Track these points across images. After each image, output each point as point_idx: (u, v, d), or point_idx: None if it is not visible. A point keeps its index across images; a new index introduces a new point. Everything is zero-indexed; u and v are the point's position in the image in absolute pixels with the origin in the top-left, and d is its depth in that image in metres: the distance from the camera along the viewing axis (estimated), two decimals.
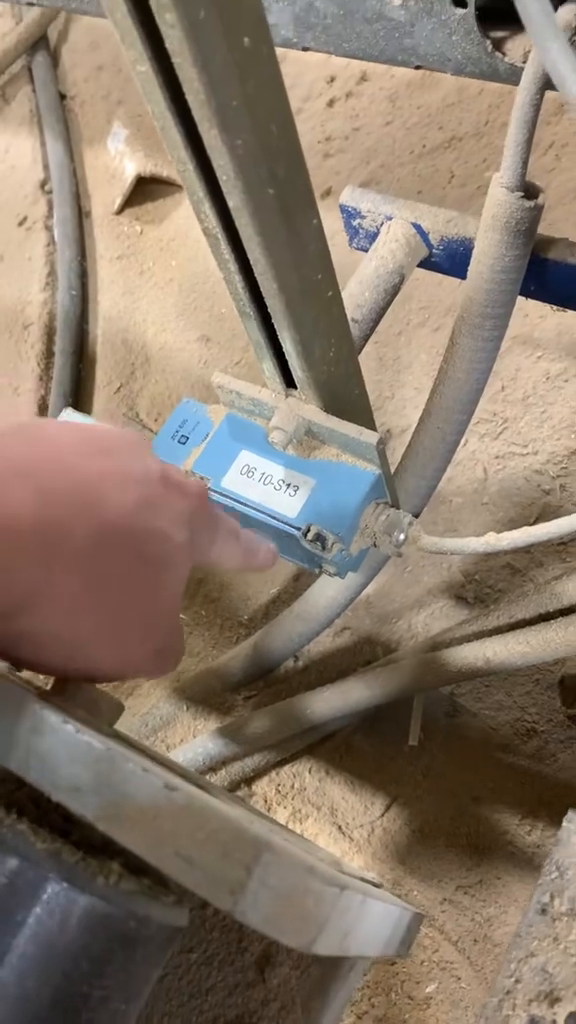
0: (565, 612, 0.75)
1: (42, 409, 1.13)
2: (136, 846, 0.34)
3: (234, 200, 0.48)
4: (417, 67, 0.64)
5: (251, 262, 0.51)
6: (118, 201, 1.23)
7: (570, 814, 0.46)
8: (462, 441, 0.83)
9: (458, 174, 1.13)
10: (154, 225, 1.23)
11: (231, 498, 0.64)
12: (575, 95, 0.43)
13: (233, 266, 0.52)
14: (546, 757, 0.80)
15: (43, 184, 1.32)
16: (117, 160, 1.25)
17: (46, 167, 1.33)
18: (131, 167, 1.21)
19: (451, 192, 1.12)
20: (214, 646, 0.96)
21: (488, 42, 0.60)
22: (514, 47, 0.61)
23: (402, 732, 0.82)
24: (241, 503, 0.64)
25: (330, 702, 0.81)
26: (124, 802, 0.35)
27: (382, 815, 0.82)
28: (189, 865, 0.34)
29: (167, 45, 0.40)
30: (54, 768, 0.36)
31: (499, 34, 0.60)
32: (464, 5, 0.58)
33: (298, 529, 0.62)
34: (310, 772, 0.87)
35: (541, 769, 0.80)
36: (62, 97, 1.41)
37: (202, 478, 0.65)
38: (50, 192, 1.30)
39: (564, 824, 0.46)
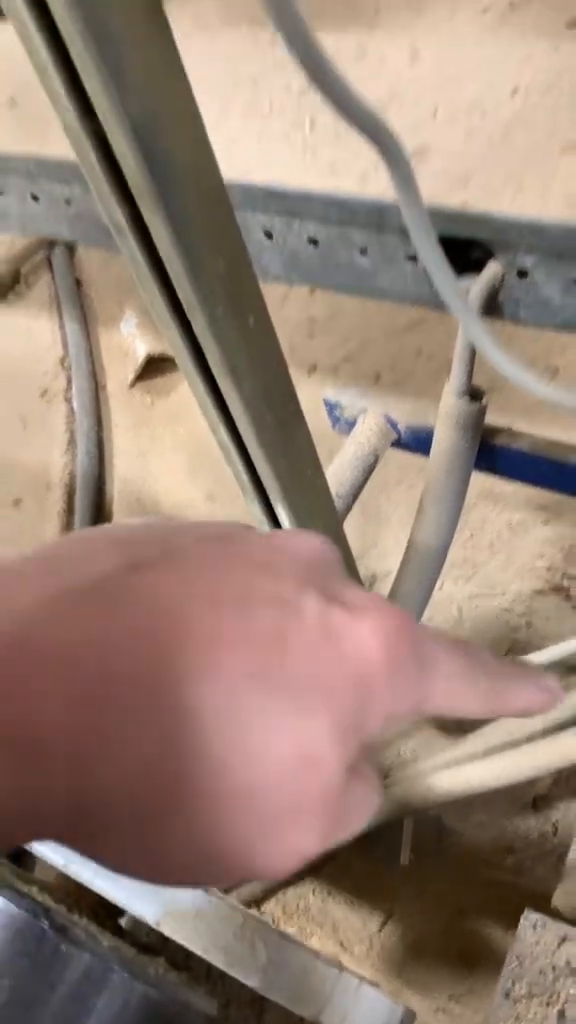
0: (531, 739, 0.86)
1: None
2: (185, 939, 0.45)
3: (242, 425, 0.63)
4: (382, 300, 0.81)
5: (255, 465, 0.66)
6: (131, 377, 1.40)
7: (526, 912, 0.56)
8: (438, 585, 0.96)
9: (425, 350, 1.30)
10: (163, 397, 1.40)
11: None
12: (495, 361, 0.59)
13: (242, 467, 0.67)
14: (524, 871, 0.89)
15: (62, 361, 1.50)
16: (129, 341, 1.43)
17: (65, 346, 1.51)
18: (142, 348, 1.39)
19: (419, 366, 1.29)
20: None
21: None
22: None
23: (396, 852, 0.91)
24: None
25: None
26: (175, 907, 0.46)
27: (379, 930, 0.90)
28: (224, 953, 0.44)
29: (195, 330, 0.56)
30: (116, 879, 0.47)
31: None
32: (415, 260, 0.75)
33: None
34: (313, 893, 0.96)
35: (520, 882, 0.89)
36: (78, 284, 1.61)
37: None
38: (69, 368, 1.48)
39: (522, 921, 0.56)
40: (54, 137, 0.86)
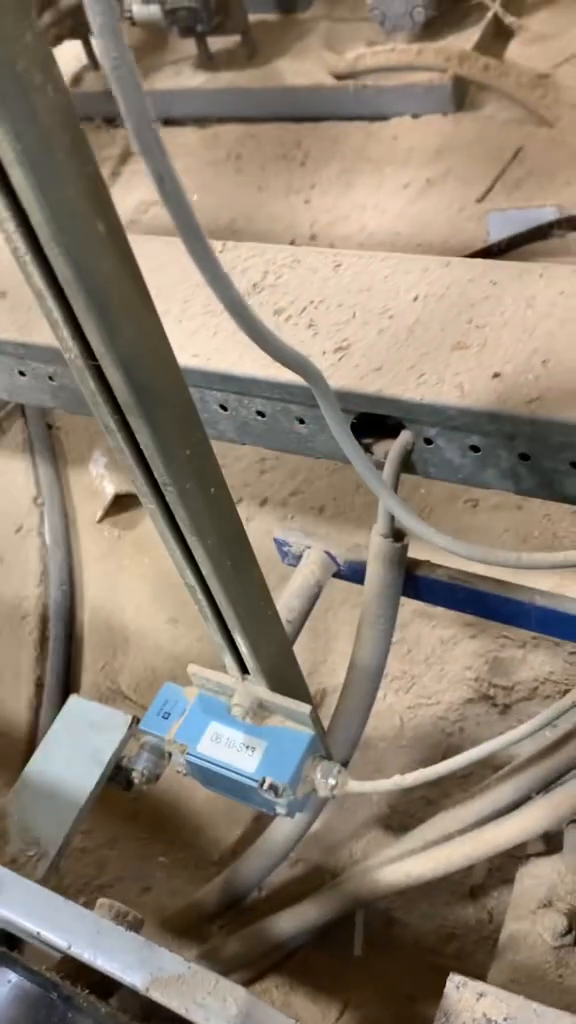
0: (463, 832, 0.98)
1: (38, 687, 1.37)
2: (169, 1001, 0.55)
3: (206, 570, 0.77)
4: (318, 458, 0.98)
5: (216, 602, 0.79)
6: (99, 513, 1.55)
7: (451, 975, 0.68)
8: (381, 696, 1.09)
9: (362, 485, 1.47)
10: (129, 530, 1.54)
11: (205, 760, 0.88)
12: (407, 523, 0.74)
13: (205, 603, 0.81)
14: (465, 956, 0.99)
15: (35, 498, 1.64)
16: (98, 481, 1.58)
17: (38, 484, 1.66)
18: (110, 488, 1.54)
19: (357, 499, 1.46)
20: (191, 884, 1.15)
21: (361, 446, 0.93)
22: (379, 448, 0.93)
23: (349, 944, 1.01)
24: (212, 763, 0.88)
25: (289, 923, 1.01)
26: (160, 974, 0.57)
27: (336, 1020, 0.98)
28: (205, 1010, 0.55)
29: (168, 500, 0.71)
30: (111, 957, 0.58)
31: (368, 440, 0.93)
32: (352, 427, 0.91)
33: (256, 781, 0.86)
34: (276, 988, 1.04)
35: (462, 967, 0.98)
36: (49, 427, 1.77)
37: (182, 745, 0.89)
38: (42, 505, 1.62)
39: (448, 982, 0.67)
40: (40, 325, 1.02)
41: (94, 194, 0.55)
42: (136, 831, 1.24)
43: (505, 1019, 0.64)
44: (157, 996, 0.56)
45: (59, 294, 0.58)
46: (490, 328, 0.83)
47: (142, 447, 0.68)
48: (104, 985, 0.61)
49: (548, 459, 0.81)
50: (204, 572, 0.78)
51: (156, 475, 0.70)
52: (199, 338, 0.96)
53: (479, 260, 0.93)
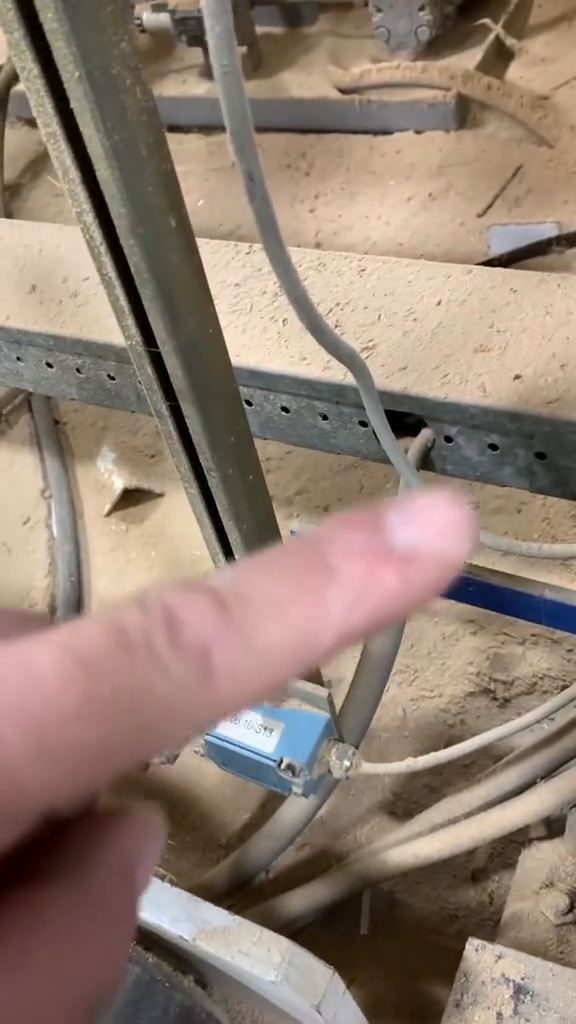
0: (467, 816, 1.02)
1: None
2: (216, 950, 0.58)
3: (239, 554, 0.81)
4: (338, 454, 1.02)
5: None
6: (108, 507, 1.57)
7: (470, 939, 0.71)
8: (385, 690, 1.13)
9: (366, 486, 1.52)
10: (137, 524, 1.57)
11: (224, 740, 0.92)
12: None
13: None
14: (467, 936, 1.02)
15: (43, 491, 1.67)
16: (106, 476, 1.61)
17: (45, 478, 1.68)
18: (119, 482, 1.57)
19: (362, 499, 1.50)
20: (199, 866, 1.18)
21: (381, 446, 0.97)
22: (399, 445, 0.98)
23: (355, 924, 1.04)
24: (231, 744, 0.92)
25: (298, 901, 1.04)
26: (205, 926, 0.60)
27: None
28: (249, 957, 0.58)
29: (210, 485, 0.74)
30: (159, 910, 0.61)
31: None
32: (366, 425, 0.96)
33: (274, 761, 0.90)
34: None
35: (463, 948, 1.02)
36: (56, 423, 1.79)
37: None
38: (49, 498, 1.64)
39: (467, 945, 0.71)
40: (67, 318, 1.06)
41: (169, 190, 0.59)
42: None
43: (523, 978, 0.68)
44: (203, 946, 0.59)
45: (128, 284, 0.62)
46: (510, 333, 0.88)
47: (191, 433, 0.72)
48: (143, 940, 0.64)
49: (564, 458, 0.85)
50: (237, 557, 0.82)
51: (202, 460, 0.74)
52: (228, 335, 1.00)
53: (499, 269, 0.97)
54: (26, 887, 0.18)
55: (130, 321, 0.64)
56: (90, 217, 0.58)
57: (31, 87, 0.51)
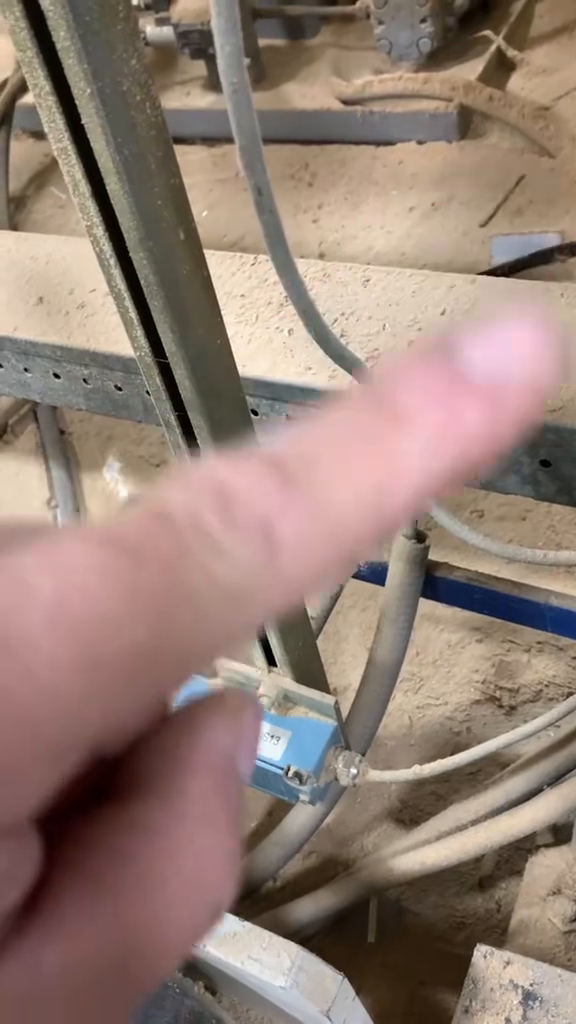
0: (474, 823, 1.02)
1: None
2: (225, 955, 0.59)
3: None
4: None
5: None
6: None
7: (478, 945, 0.72)
8: (391, 698, 1.13)
9: None
10: None
11: None
12: (438, 517, 0.79)
13: None
14: (473, 945, 1.02)
15: (49, 501, 1.68)
16: (112, 485, 1.62)
17: (51, 487, 1.69)
18: (125, 491, 1.58)
19: None
20: None
21: None
22: None
23: (363, 932, 1.04)
24: None
25: (306, 909, 1.04)
26: (215, 932, 0.60)
27: None
28: (259, 963, 0.58)
29: None
30: None
31: None
32: None
33: (281, 769, 0.90)
34: None
35: (470, 955, 1.02)
36: (62, 432, 1.81)
37: None
38: (55, 507, 1.65)
39: (475, 952, 0.71)
40: (75, 329, 1.07)
41: (178, 203, 0.60)
42: None
43: (532, 984, 0.68)
44: (213, 951, 0.59)
45: (137, 296, 0.63)
46: None
47: (199, 442, 0.72)
48: None
49: (569, 465, 0.86)
50: None
51: None
52: (234, 346, 1.00)
53: (502, 279, 0.98)
54: (115, 804, 0.16)
55: (139, 332, 0.65)
56: (100, 230, 0.59)
57: (43, 103, 0.52)
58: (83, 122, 0.52)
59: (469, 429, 0.16)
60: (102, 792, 0.16)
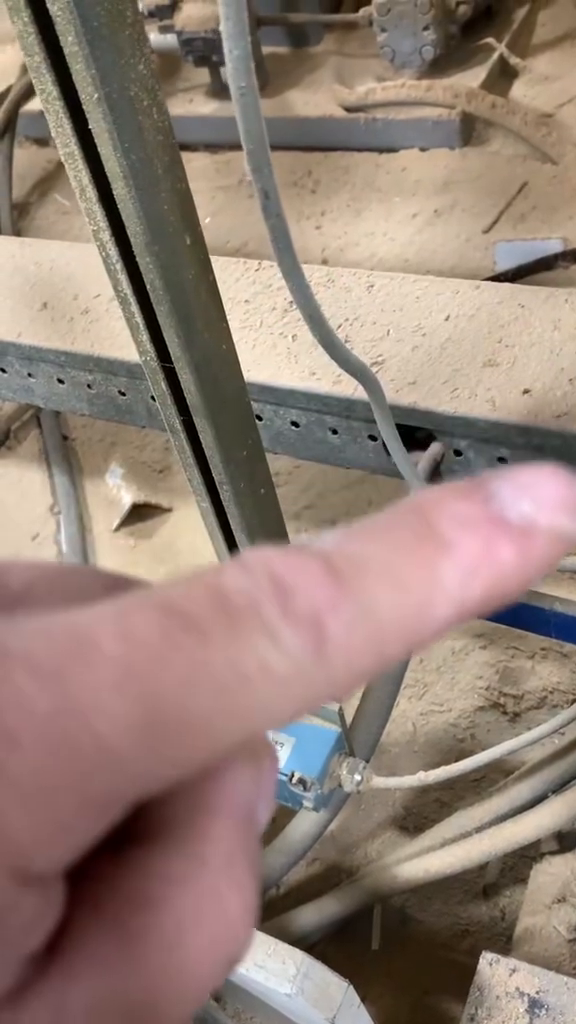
0: (479, 830, 1.02)
1: None
2: None
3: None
4: (347, 468, 1.02)
5: None
6: (116, 522, 1.58)
7: (484, 952, 0.71)
8: (395, 704, 1.13)
9: (374, 500, 1.52)
10: (146, 539, 1.58)
11: None
12: None
13: None
14: (478, 953, 1.02)
15: (52, 507, 1.67)
16: (115, 491, 1.62)
17: (54, 493, 1.69)
18: (127, 497, 1.58)
19: (370, 513, 1.50)
20: None
21: (391, 460, 0.98)
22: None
23: (366, 939, 1.04)
24: None
25: (309, 916, 1.04)
26: None
27: None
28: (264, 970, 0.58)
29: (222, 498, 0.75)
30: None
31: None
32: (375, 439, 0.96)
33: (285, 775, 0.90)
34: None
35: (475, 963, 1.02)
36: (64, 438, 1.81)
37: None
38: (58, 513, 1.65)
39: (480, 959, 0.71)
40: (79, 335, 1.07)
41: (184, 208, 0.60)
42: None
43: (538, 992, 0.67)
44: None
45: (143, 300, 0.63)
46: (519, 347, 0.89)
47: (204, 447, 0.72)
48: None
49: (574, 471, 0.86)
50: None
51: (214, 474, 0.74)
52: (238, 351, 1.00)
53: (507, 284, 0.98)
54: (138, 847, 0.17)
55: (145, 337, 0.65)
56: (107, 235, 0.59)
57: (50, 108, 0.52)
58: (90, 127, 0.52)
59: (504, 564, 0.17)
60: (120, 829, 0.17)
